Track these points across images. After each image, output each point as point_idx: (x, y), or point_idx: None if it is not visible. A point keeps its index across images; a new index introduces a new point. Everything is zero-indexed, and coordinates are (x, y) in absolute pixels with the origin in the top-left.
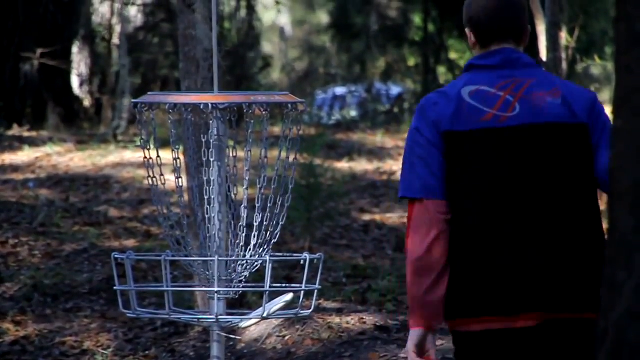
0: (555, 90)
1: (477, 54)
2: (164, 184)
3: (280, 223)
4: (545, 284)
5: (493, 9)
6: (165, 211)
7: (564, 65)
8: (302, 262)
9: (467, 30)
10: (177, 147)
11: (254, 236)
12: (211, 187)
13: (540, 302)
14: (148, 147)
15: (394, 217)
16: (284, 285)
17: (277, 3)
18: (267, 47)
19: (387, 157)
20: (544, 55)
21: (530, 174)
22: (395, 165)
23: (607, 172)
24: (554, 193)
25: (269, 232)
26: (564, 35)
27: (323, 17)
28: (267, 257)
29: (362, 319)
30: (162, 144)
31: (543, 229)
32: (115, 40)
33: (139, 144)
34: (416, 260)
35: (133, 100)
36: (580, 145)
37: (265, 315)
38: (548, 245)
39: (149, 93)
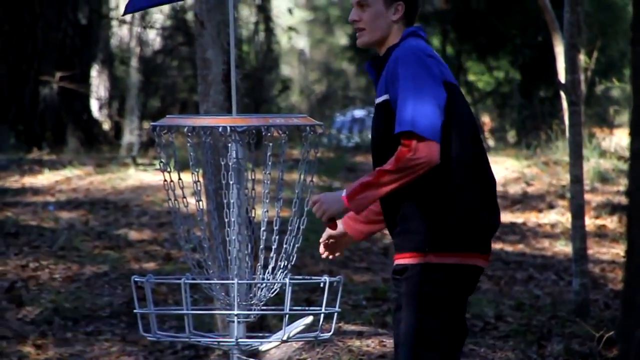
0: None
1: (413, 26)
2: (186, 206)
3: (297, 245)
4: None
5: None
6: (185, 234)
7: (583, 87)
8: (322, 284)
9: (394, 5)
10: (197, 170)
11: (273, 259)
12: (230, 210)
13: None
14: (168, 170)
15: None
16: (303, 308)
17: (290, 29)
18: (286, 69)
19: None
20: (562, 77)
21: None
22: None
23: None
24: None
25: (287, 255)
26: (582, 57)
27: (342, 39)
28: (287, 280)
29: (382, 342)
30: (182, 166)
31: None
32: (134, 63)
33: (158, 167)
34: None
35: (152, 124)
36: None
37: (285, 338)
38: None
39: (167, 116)
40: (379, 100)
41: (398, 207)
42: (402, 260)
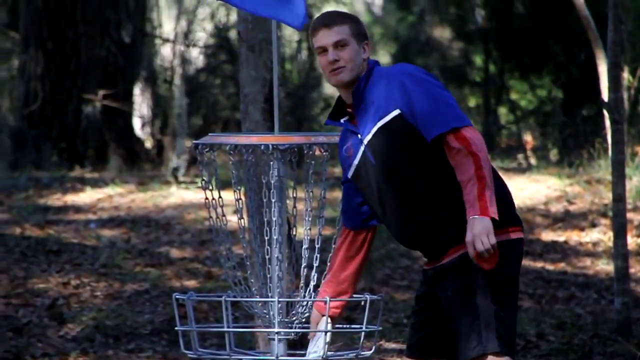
0: None
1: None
2: (225, 225)
3: None
4: None
5: None
6: (226, 252)
7: (626, 105)
8: (362, 302)
9: (362, 44)
10: (239, 188)
11: (314, 277)
12: (272, 228)
13: None
14: (210, 188)
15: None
16: (344, 326)
17: None
18: (328, 88)
19: None
20: (605, 95)
21: None
22: None
23: None
24: None
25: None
26: (625, 76)
27: (384, 58)
28: (327, 298)
29: None
30: (224, 184)
31: None
32: (177, 81)
33: (200, 185)
34: (488, 162)
35: (194, 142)
36: None
37: (324, 356)
38: None
39: (209, 134)
40: (387, 118)
41: (447, 196)
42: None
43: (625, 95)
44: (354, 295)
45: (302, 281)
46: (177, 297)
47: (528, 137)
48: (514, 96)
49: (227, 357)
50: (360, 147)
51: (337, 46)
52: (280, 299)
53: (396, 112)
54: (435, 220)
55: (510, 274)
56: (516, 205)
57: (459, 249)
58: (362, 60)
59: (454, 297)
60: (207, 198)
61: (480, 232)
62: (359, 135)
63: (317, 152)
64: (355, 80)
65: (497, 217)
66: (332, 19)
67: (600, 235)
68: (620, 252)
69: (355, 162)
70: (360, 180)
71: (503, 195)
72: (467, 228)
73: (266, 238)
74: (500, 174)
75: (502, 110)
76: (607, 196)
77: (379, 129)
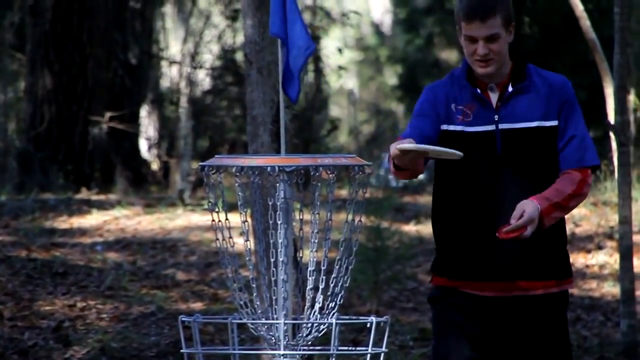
0: None
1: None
2: (232, 247)
3: (345, 285)
4: None
5: None
6: (232, 274)
7: (632, 128)
8: (368, 324)
9: (510, 27)
10: (245, 210)
11: (320, 299)
12: (278, 250)
13: None
14: (216, 210)
15: None
16: (350, 348)
17: (340, 68)
18: (335, 110)
19: None
20: (612, 118)
21: None
22: None
23: None
24: None
25: (335, 295)
26: (632, 98)
27: (391, 79)
28: (334, 320)
29: None
30: (230, 207)
31: None
32: (184, 103)
33: (206, 207)
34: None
35: (200, 164)
36: None
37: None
38: None
39: (216, 156)
40: (547, 123)
41: (549, 233)
42: (551, 288)
43: (631, 118)
44: (360, 318)
45: (307, 303)
46: (183, 319)
47: None
48: None
49: None
50: (489, 125)
51: (490, 39)
52: (286, 321)
53: (555, 122)
54: (547, 239)
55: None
56: None
57: (545, 284)
58: (508, 44)
59: (549, 337)
60: (213, 220)
61: (534, 217)
62: (495, 116)
63: (324, 174)
64: (499, 68)
65: (543, 226)
66: (487, 10)
67: (607, 257)
68: (626, 275)
69: (471, 129)
70: (456, 144)
71: (565, 248)
72: (525, 204)
73: (272, 260)
74: None
75: None
76: (614, 218)
77: (530, 128)
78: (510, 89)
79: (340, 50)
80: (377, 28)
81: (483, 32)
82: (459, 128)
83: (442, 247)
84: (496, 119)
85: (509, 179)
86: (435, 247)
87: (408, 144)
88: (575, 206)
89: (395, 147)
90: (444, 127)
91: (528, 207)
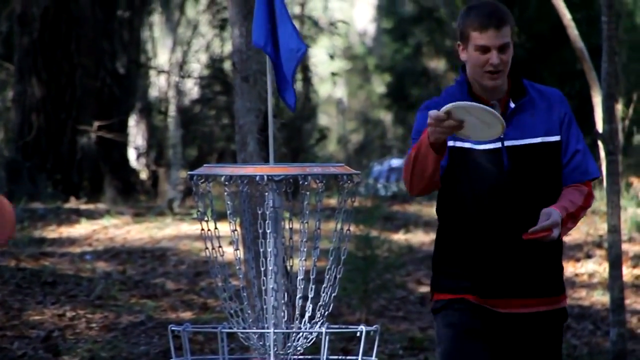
0: None
1: None
2: (222, 256)
3: (333, 294)
4: None
5: None
6: (222, 283)
7: (620, 136)
8: (358, 333)
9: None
10: (234, 219)
11: (309, 308)
12: (267, 259)
13: None
14: (205, 219)
15: None
16: (340, 357)
17: (333, 75)
18: (324, 119)
19: None
20: (600, 126)
21: None
22: None
23: None
24: None
25: (324, 304)
26: (620, 107)
27: (379, 87)
28: (324, 329)
29: None
30: (219, 215)
31: None
32: (172, 112)
33: (195, 216)
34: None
35: (189, 173)
36: None
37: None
38: None
39: (205, 165)
40: (551, 139)
41: (555, 247)
42: (563, 303)
43: (619, 127)
44: (350, 327)
45: (297, 312)
46: (172, 328)
47: None
48: None
49: None
50: (495, 142)
51: (503, 48)
52: (276, 330)
53: (558, 137)
54: (554, 257)
55: None
56: None
57: (560, 299)
58: None
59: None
60: (203, 229)
61: (559, 222)
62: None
63: (313, 183)
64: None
65: (561, 235)
66: (502, 18)
67: (596, 266)
68: (615, 283)
69: (479, 147)
70: (464, 161)
71: (562, 264)
72: (550, 210)
73: (262, 269)
74: None
75: None
76: (602, 227)
77: (535, 144)
78: (512, 105)
79: (332, 57)
80: (360, 38)
81: (498, 41)
82: (467, 145)
83: (446, 264)
84: (502, 136)
85: (515, 195)
86: (434, 265)
87: (453, 104)
88: (581, 218)
89: (441, 110)
90: (451, 143)
91: (553, 213)
